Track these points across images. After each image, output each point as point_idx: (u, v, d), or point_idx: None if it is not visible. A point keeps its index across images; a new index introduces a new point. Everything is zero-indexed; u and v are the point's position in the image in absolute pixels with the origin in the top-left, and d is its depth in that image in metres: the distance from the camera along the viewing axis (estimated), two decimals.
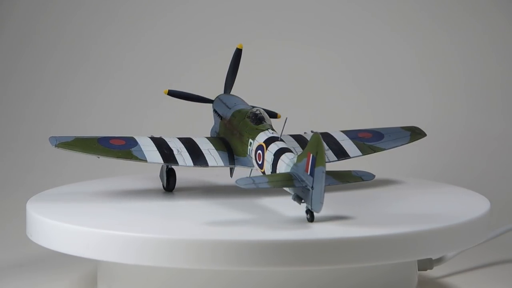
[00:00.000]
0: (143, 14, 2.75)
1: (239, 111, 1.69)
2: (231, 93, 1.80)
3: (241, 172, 1.72)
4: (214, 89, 2.63)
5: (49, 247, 1.47)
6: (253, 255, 1.34)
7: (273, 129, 1.61)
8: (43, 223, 1.47)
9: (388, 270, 1.52)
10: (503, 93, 2.57)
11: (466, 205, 1.59)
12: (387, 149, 1.76)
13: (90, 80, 2.73)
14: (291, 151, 1.53)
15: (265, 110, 1.68)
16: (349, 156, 1.68)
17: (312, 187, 1.42)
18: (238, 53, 1.79)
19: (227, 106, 1.72)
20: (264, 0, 2.71)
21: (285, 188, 1.49)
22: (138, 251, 1.37)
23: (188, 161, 1.61)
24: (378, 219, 1.48)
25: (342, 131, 1.76)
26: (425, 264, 1.68)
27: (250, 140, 1.61)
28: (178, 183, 1.70)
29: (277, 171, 1.51)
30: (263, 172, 1.58)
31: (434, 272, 1.73)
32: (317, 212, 1.43)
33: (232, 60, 1.79)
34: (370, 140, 1.76)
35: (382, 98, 2.60)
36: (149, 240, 1.36)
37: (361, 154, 1.71)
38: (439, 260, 1.72)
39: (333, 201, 1.60)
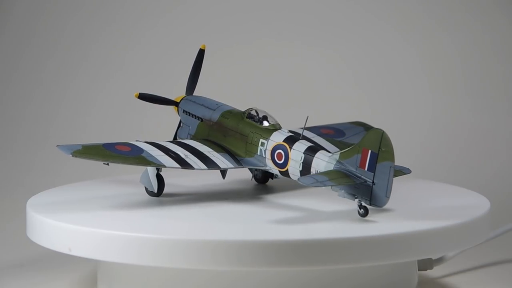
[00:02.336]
0: (143, 14, 2.75)
1: (229, 111, 1.67)
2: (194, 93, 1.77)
3: (231, 173, 1.72)
4: (214, 89, 2.63)
5: (49, 247, 1.47)
6: (253, 255, 1.34)
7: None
8: (43, 223, 1.47)
9: (388, 270, 1.52)
10: (503, 93, 2.56)
11: (466, 205, 1.59)
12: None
13: (90, 80, 2.73)
14: (322, 149, 1.54)
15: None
16: (330, 152, 1.68)
17: (373, 182, 1.44)
18: (201, 54, 1.76)
19: (208, 107, 1.69)
20: (264, 0, 2.71)
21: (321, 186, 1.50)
22: (138, 251, 1.37)
23: (201, 164, 1.58)
24: (378, 219, 1.48)
25: (302, 128, 1.75)
26: (425, 264, 1.68)
27: (262, 140, 1.60)
28: (170, 186, 1.67)
29: (314, 169, 1.52)
30: (284, 172, 1.57)
31: (434, 272, 1.73)
32: (381, 206, 1.46)
33: (195, 60, 1.76)
34: (334, 136, 1.77)
35: (382, 98, 2.60)
36: (149, 240, 1.36)
37: (338, 150, 1.70)
38: (439, 260, 1.72)
39: (332, 201, 1.60)
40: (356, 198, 1.47)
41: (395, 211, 1.53)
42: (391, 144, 1.44)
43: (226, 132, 1.64)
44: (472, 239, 1.49)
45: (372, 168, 1.44)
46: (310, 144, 1.56)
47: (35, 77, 2.75)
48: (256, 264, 1.34)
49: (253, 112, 1.64)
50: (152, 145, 1.59)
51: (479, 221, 1.50)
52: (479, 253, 1.85)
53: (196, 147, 1.62)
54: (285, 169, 1.57)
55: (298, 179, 1.48)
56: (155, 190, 1.62)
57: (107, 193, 1.67)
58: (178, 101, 1.74)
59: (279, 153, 1.58)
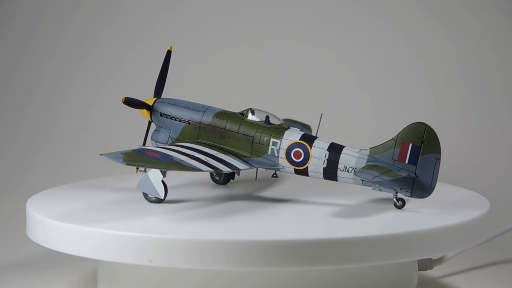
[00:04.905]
0: (143, 14, 2.75)
1: (223, 112, 1.65)
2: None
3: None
4: (214, 89, 2.63)
5: (49, 247, 1.47)
6: (253, 255, 1.34)
7: None
8: (43, 223, 1.47)
9: (389, 270, 1.52)
10: (503, 93, 2.57)
11: (466, 205, 1.59)
12: None
13: (90, 80, 2.73)
14: (344, 146, 1.56)
15: None
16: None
17: (415, 174, 1.49)
18: (168, 55, 1.71)
19: (195, 109, 1.66)
20: (264, 0, 2.71)
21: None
22: (138, 251, 1.37)
23: (224, 167, 1.56)
24: (379, 219, 1.48)
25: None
26: (425, 264, 1.68)
27: (273, 140, 1.60)
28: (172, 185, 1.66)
29: (342, 165, 1.54)
30: (301, 170, 1.57)
31: (434, 272, 1.74)
32: (424, 197, 1.51)
33: (163, 62, 1.71)
34: None
35: (383, 98, 2.60)
36: (149, 240, 1.36)
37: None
38: (439, 260, 1.72)
39: (332, 201, 1.61)
40: (395, 190, 1.51)
41: (395, 211, 1.53)
42: (436, 136, 1.49)
43: (224, 134, 1.63)
44: (472, 239, 1.49)
45: (414, 161, 1.49)
46: (330, 141, 1.57)
47: (35, 77, 2.75)
48: (256, 264, 1.34)
49: (254, 112, 1.63)
50: (170, 150, 1.56)
51: (479, 221, 1.50)
52: (479, 253, 1.85)
53: (203, 150, 1.60)
54: (303, 167, 1.57)
55: (356, 173, 1.52)
56: (162, 196, 1.58)
57: (107, 193, 1.67)
58: (149, 104, 1.70)
59: (297, 151, 1.58)
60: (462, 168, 2.41)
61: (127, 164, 1.48)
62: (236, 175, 1.72)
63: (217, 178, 1.78)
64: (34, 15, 2.79)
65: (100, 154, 1.49)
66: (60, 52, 2.76)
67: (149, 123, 1.72)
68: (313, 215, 1.51)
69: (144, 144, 1.68)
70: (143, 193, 1.59)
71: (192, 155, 1.55)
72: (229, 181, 1.78)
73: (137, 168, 1.66)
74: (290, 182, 1.80)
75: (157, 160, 1.50)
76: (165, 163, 1.50)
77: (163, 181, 1.58)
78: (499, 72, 2.58)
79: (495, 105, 2.55)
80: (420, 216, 1.50)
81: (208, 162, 1.54)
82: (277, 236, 1.37)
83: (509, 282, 1.75)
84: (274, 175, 1.65)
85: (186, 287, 1.47)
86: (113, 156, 1.48)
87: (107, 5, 2.76)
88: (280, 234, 1.39)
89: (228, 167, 1.56)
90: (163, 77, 1.72)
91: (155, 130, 1.70)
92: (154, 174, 1.57)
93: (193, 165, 1.51)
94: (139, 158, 1.50)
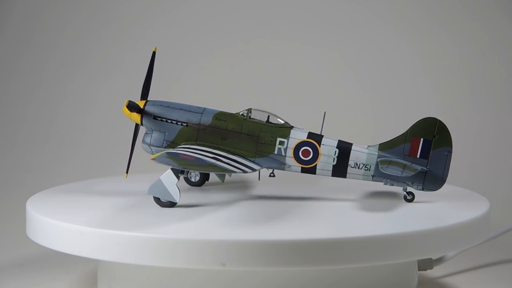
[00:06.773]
0: (142, 14, 2.75)
1: (222, 113, 1.64)
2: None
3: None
4: (213, 88, 2.63)
5: (49, 246, 1.47)
6: (253, 255, 1.34)
7: None
8: (43, 223, 1.47)
9: (389, 270, 1.52)
10: (503, 93, 2.57)
11: (466, 205, 1.59)
12: None
13: (90, 80, 2.73)
14: (351, 143, 1.59)
15: None
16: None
17: (427, 168, 1.55)
18: (153, 57, 1.68)
19: (191, 111, 1.64)
20: (264, 0, 2.71)
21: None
22: (138, 251, 1.37)
23: (246, 169, 1.55)
24: (379, 219, 1.48)
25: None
26: (425, 264, 1.68)
27: (280, 139, 1.60)
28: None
29: (353, 162, 1.57)
30: (309, 169, 1.58)
31: (434, 272, 1.74)
32: (435, 190, 1.57)
33: (150, 64, 1.67)
34: None
35: (383, 98, 2.60)
36: (149, 240, 1.36)
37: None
38: (439, 260, 1.72)
39: (332, 201, 1.61)
40: (406, 184, 1.56)
41: (395, 211, 1.53)
42: (448, 130, 1.55)
43: (226, 135, 1.62)
44: (472, 239, 1.49)
45: (425, 155, 1.54)
46: (337, 139, 1.59)
47: (35, 77, 2.75)
48: (256, 264, 1.34)
49: (256, 112, 1.63)
50: (191, 152, 1.54)
51: (479, 221, 1.50)
52: (479, 253, 1.85)
53: (213, 151, 1.59)
54: (312, 165, 1.58)
55: (381, 168, 1.55)
56: (177, 200, 1.55)
57: (107, 193, 1.67)
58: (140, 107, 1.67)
59: (306, 150, 1.58)
60: (462, 168, 2.41)
61: (181, 168, 1.49)
62: (271, 173, 1.69)
63: (193, 180, 1.77)
64: (34, 15, 2.79)
65: (152, 158, 1.48)
66: (60, 52, 2.76)
67: (137, 126, 1.67)
68: (313, 215, 1.51)
69: (132, 147, 1.65)
70: (154, 197, 1.56)
71: (213, 157, 1.54)
72: (204, 182, 1.77)
73: (127, 173, 1.66)
74: (289, 182, 1.80)
75: (199, 163, 1.50)
76: (206, 166, 1.51)
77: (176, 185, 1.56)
78: (499, 72, 2.58)
79: (496, 105, 2.56)
80: (420, 216, 1.50)
81: (230, 163, 1.54)
82: (278, 236, 1.37)
83: (509, 282, 1.75)
84: (272, 175, 1.65)
85: (186, 287, 1.47)
86: (164, 160, 1.48)
87: (107, 5, 2.76)
88: (280, 234, 1.39)
89: (251, 169, 1.55)
90: (149, 79, 1.68)
91: (146, 133, 1.66)
92: (168, 178, 1.54)
93: (226, 167, 1.51)
94: (184, 162, 1.49)
